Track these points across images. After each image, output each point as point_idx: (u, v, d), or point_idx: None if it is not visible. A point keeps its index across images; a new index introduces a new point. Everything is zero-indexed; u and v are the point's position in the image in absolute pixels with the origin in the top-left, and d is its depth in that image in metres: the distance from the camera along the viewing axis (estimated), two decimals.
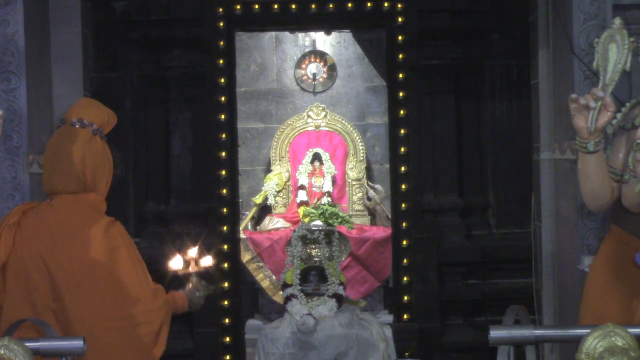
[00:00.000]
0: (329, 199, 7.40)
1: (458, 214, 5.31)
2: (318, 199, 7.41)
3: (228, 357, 5.12)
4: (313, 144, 7.62)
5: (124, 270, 2.83)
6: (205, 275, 3.33)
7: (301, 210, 7.29)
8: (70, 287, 2.76)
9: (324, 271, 5.14)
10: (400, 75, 5.20)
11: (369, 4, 5.17)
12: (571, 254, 4.14)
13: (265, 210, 7.59)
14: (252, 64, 7.96)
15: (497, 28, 5.30)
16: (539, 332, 2.04)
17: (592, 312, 2.77)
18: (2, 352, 1.90)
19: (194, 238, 5.05)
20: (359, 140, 7.64)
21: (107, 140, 2.97)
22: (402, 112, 5.21)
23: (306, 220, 6.96)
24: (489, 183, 5.38)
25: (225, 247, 5.14)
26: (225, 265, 5.13)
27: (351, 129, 7.67)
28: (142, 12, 5.12)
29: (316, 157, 7.56)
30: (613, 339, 1.87)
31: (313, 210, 7.14)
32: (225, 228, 5.17)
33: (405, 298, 5.17)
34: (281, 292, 5.35)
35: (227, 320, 5.12)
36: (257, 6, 5.17)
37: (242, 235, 6.74)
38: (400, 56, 5.18)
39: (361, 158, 7.64)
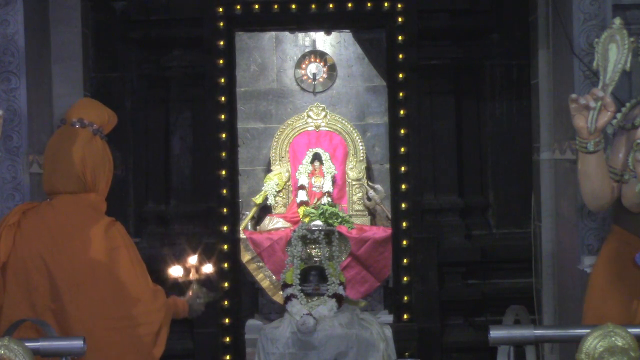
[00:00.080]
0: (329, 199, 7.40)
1: (458, 214, 5.32)
2: (318, 199, 7.41)
3: (228, 357, 5.12)
4: (313, 144, 7.62)
5: (124, 271, 2.83)
6: (206, 282, 3.33)
7: (301, 210, 7.29)
8: (70, 287, 2.76)
9: (324, 271, 5.14)
10: (400, 75, 5.20)
11: (369, 4, 5.17)
12: (571, 254, 4.14)
13: (265, 210, 7.59)
14: (252, 64, 7.96)
15: (497, 28, 5.30)
16: (539, 332, 2.04)
17: (593, 312, 2.77)
18: (2, 352, 1.90)
19: (193, 239, 5.06)
20: (359, 140, 7.64)
21: (107, 141, 2.97)
22: (402, 112, 5.21)
23: (306, 220, 6.96)
24: (489, 183, 5.39)
25: (225, 247, 5.14)
26: (225, 265, 5.13)
27: (351, 129, 7.67)
28: (142, 12, 5.13)
29: (316, 157, 7.56)
30: (613, 339, 1.87)
31: (313, 210, 7.14)
32: (225, 228, 5.17)
33: (405, 298, 5.17)
34: (281, 292, 5.35)
35: (227, 320, 5.12)
36: (257, 6, 5.17)
37: (242, 235, 6.74)
38: (400, 56, 5.19)
39: (361, 158, 7.64)
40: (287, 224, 7.22)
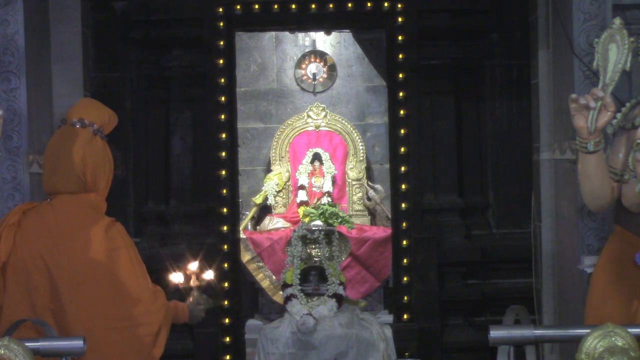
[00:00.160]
0: (329, 199, 7.40)
1: (458, 214, 5.31)
2: (318, 199, 7.41)
3: (228, 357, 5.12)
4: (313, 144, 7.62)
5: (124, 271, 2.82)
6: (206, 289, 3.33)
7: (301, 210, 7.29)
8: (70, 287, 2.76)
9: (324, 271, 5.14)
10: (400, 75, 5.20)
11: (369, 4, 5.17)
12: (571, 254, 4.13)
13: (265, 210, 7.59)
14: (252, 64, 7.96)
15: (497, 28, 5.30)
16: (539, 332, 2.04)
17: (594, 312, 2.77)
18: (2, 352, 1.90)
19: (193, 239, 5.06)
20: (359, 140, 7.64)
21: (107, 141, 2.97)
22: (402, 112, 5.21)
23: (306, 220, 6.96)
24: (489, 183, 5.39)
25: (225, 247, 5.14)
26: (225, 265, 5.13)
27: (351, 129, 7.67)
28: (142, 12, 5.12)
29: (316, 157, 7.56)
30: (613, 339, 1.87)
31: (313, 210, 7.15)
32: (225, 228, 5.17)
33: (405, 298, 5.18)
34: (281, 292, 5.35)
35: (227, 320, 5.12)
36: (257, 6, 5.17)
37: (242, 235, 6.74)
38: (400, 56, 5.19)
39: (361, 158, 7.64)
40: (287, 224, 7.22)
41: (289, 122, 7.71)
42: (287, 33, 7.85)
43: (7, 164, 3.83)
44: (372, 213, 7.54)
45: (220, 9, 5.14)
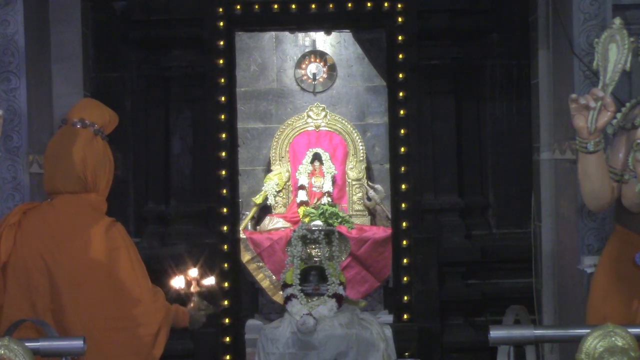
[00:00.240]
0: (329, 199, 7.40)
1: (458, 214, 5.32)
2: (318, 199, 7.41)
3: (228, 357, 5.12)
4: (313, 144, 7.62)
5: (124, 271, 2.83)
6: (207, 295, 3.33)
7: (301, 210, 7.29)
8: (71, 287, 2.76)
9: (324, 271, 5.13)
10: (400, 75, 5.20)
11: (369, 4, 5.17)
12: (571, 254, 4.14)
13: (265, 210, 7.59)
14: (252, 64, 7.96)
15: (497, 28, 5.30)
16: (539, 332, 2.04)
17: (595, 312, 2.77)
18: (2, 352, 1.90)
19: (193, 239, 5.06)
20: (359, 140, 7.64)
21: (108, 141, 2.97)
22: (402, 112, 5.21)
23: (306, 220, 6.96)
24: (489, 183, 5.39)
25: (225, 247, 5.15)
26: (225, 265, 5.13)
27: (351, 129, 7.67)
28: (142, 12, 5.12)
29: (316, 157, 7.56)
30: (613, 339, 1.87)
31: (313, 210, 7.15)
32: (225, 228, 5.17)
33: (405, 298, 5.18)
34: (281, 292, 5.35)
35: (227, 320, 5.12)
36: (257, 6, 5.17)
37: (242, 235, 6.74)
38: (400, 56, 5.19)
39: (361, 158, 7.64)
40: (287, 224, 7.22)
41: (289, 122, 7.71)
42: (287, 33, 7.85)
43: (7, 164, 3.83)
44: (372, 213, 7.54)
45: (220, 9, 5.14)
